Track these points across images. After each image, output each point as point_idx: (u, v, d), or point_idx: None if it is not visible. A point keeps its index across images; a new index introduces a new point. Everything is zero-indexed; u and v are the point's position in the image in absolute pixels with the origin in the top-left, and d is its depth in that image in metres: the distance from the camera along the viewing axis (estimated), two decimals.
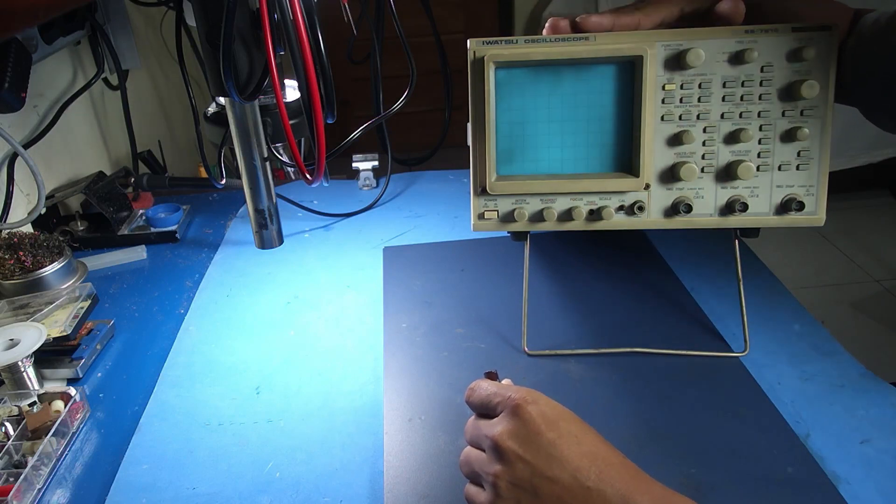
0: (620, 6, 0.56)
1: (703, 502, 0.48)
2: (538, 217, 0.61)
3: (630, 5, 0.56)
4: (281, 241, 0.62)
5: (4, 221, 0.84)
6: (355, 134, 0.85)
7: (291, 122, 0.57)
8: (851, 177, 2.40)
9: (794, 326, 0.68)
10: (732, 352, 0.64)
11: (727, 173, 0.58)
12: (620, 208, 0.60)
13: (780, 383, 0.61)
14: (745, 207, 0.58)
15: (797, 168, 0.57)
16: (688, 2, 0.56)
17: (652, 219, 0.60)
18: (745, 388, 0.60)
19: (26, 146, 0.89)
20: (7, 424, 0.58)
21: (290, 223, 0.95)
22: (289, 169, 0.73)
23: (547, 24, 0.56)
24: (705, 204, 0.59)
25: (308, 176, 0.53)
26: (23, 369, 0.64)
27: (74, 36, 1.01)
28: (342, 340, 0.71)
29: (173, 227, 0.94)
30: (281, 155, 0.64)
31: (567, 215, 0.60)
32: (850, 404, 0.58)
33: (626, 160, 0.59)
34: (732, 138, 0.57)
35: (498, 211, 0.61)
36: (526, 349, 0.66)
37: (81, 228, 0.93)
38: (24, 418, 0.59)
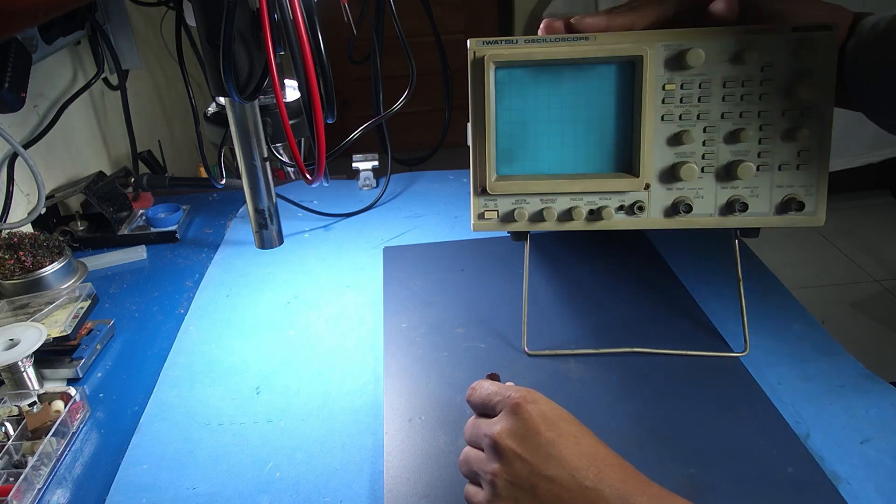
0: (615, 6, 0.56)
1: (702, 502, 0.48)
2: (538, 217, 0.61)
3: (624, 5, 0.56)
4: (281, 241, 0.61)
5: (4, 221, 0.84)
6: (355, 134, 0.85)
7: (291, 122, 0.57)
8: (851, 177, 2.41)
9: (794, 326, 0.68)
10: (732, 352, 0.64)
11: (727, 173, 0.58)
12: (620, 208, 0.60)
13: (780, 383, 0.61)
14: (745, 207, 0.58)
15: (797, 168, 0.57)
16: (681, 1, 0.56)
17: (652, 219, 0.60)
18: (745, 388, 0.60)
19: (26, 146, 0.89)
20: (7, 424, 0.58)
21: (290, 223, 0.95)
22: (289, 169, 0.73)
23: (542, 25, 0.56)
24: (705, 204, 0.59)
25: (308, 176, 0.53)
26: (23, 369, 0.64)
27: (74, 36, 1.00)
28: (342, 340, 0.71)
29: (173, 227, 0.94)
30: (281, 155, 0.64)
31: (567, 215, 0.60)
32: (850, 404, 0.58)
33: (627, 160, 0.59)
34: (733, 138, 0.57)
35: (498, 211, 0.61)
36: (526, 349, 0.66)
37: (81, 228, 0.93)
38: (24, 418, 0.59)
